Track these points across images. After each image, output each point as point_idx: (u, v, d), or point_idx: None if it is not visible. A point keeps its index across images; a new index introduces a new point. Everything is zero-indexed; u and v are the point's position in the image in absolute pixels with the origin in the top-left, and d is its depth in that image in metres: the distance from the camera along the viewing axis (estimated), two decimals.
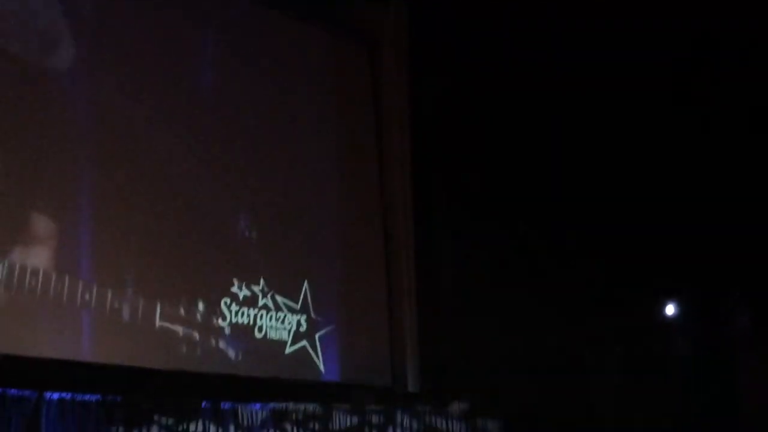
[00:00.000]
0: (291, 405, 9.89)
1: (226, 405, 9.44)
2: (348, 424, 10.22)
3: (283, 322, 10.07)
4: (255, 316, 9.84)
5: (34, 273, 8.21)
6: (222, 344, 9.47)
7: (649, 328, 10.06)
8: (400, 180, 11.40)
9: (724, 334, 9.58)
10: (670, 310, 10.03)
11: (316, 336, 10.31)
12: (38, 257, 8.30)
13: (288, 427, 9.83)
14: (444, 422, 10.86)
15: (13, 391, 8.07)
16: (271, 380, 9.84)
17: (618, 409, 10.09)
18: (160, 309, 9.03)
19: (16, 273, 8.08)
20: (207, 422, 9.24)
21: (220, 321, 9.50)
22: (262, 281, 9.96)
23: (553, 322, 10.35)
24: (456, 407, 10.92)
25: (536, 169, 10.49)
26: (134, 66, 9.16)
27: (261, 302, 9.92)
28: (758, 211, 9.27)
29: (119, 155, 8.94)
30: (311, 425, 9.99)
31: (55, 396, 8.34)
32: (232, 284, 9.70)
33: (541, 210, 10.51)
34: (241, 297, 9.75)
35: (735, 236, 9.28)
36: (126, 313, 8.78)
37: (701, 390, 9.51)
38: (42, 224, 8.40)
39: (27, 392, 8.16)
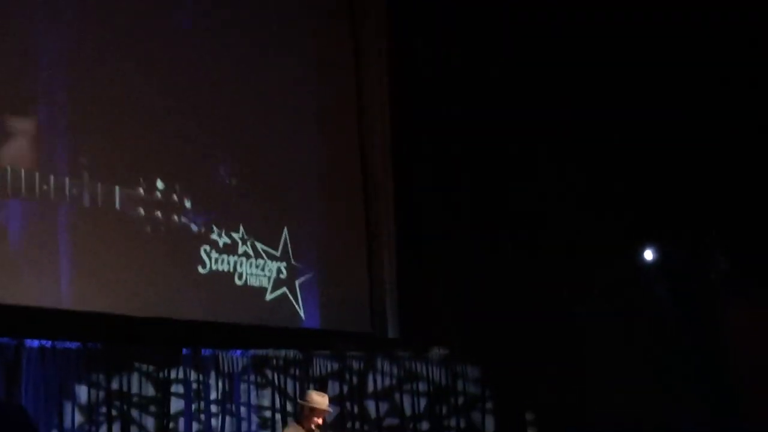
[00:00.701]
0: (271, 351, 9.93)
1: (206, 352, 9.47)
2: (328, 370, 10.27)
3: (263, 269, 10.06)
4: (235, 263, 9.83)
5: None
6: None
7: (630, 274, 10.10)
8: (380, 126, 11.36)
9: (704, 278, 9.63)
10: (648, 255, 10.08)
11: (297, 283, 10.31)
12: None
13: (269, 373, 9.88)
14: (424, 368, 10.92)
15: None
16: (251, 327, 9.86)
17: (598, 356, 10.15)
18: (139, 258, 9.02)
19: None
20: (188, 369, 9.27)
21: (199, 268, 9.49)
22: (241, 228, 9.94)
23: (533, 269, 10.38)
24: (436, 353, 10.99)
25: (517, 115, 10.45)
26: (116, 11, 9.08)
27: (241, 249, 9.90)
28: (737, 155, 9.29)
29: (97, 101, 8.87)
30: (292, 371, 10.04)
31: (35, 343, 8.35)
32: (212, 231, 9.67)
33: (522, 158, 10.49)
34: (220, 244, 9.73)
35: (714, 181, 9.31)
36: (109, 250, 8.76)
37: (683, 335, 9.58)
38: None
39: (6, 339, 8.16)
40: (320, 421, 8.02)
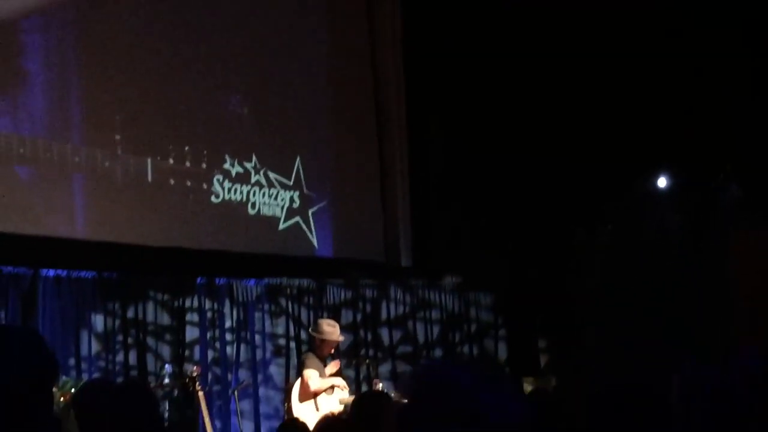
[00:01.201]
0: (285, 280, 10.02)
1: (221, 281, 9.56)
2: (342, 298, 10.36)
3: (276, 198, 10.09)
4: (248, 192, 9.86)
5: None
6: (214, 221, 9.51)
7: (641, 202, 10.07)
8: (392, 56, 11.27)
9: (714, 206, 9.60)
10: (661, 182, 10.04)
11: (309, 212, 10.34)
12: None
13: (282, 302, 9.98)
14: (437, 296, 11.00)
15: (9, 268, 8.18)
16: (265, 256, 9.92)
17: (609, 282, 10.18)
18: (153, 189, 9.07)
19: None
20: (202, 298, 9.38)
21: (212, 198, 9.53)
22: (254, 158, 9.95)
23: (545, 197, 10.36)
24: (449, 281, 11.04)
25: (529, 47, 10.33)
26: None
27: (254, 179, 9.92)
28: (750, 85, 9.20)
29: (111, 31, 8.87)
30: (305, 300, 10.13)
31: (51, 273, 8.45)
32: (224, 161, 9.69)
33: (533, 85, 10.40)
34: (233, 173, 9.76)
35: (726, 110, 9.23)
36: (118, 175, 8.82)
37: (692, 263, 9.58)
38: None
39: (22, 269, 8.26)
40: (332, 350, 8.17)
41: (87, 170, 8.65)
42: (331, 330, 8.14)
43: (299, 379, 8.01)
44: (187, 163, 9.38)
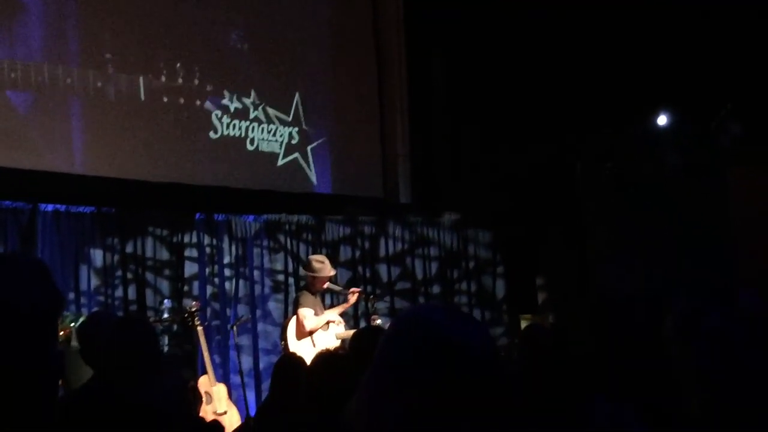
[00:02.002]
0: (284, 216, 10.02)
1: (219, 217, 9.57)
2: (340, 234, 10.37)
3: (274, 134, 10.07)
4: (246, 128, 9.84)
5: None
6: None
7: (641, 140, 10.03)
8: None
9: (715, 145, 9.57)
10: (662, 120, 9.98)
11: (308, 148, 10.33)
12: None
13: (281, 238, 9.99)
14: (435, 233, 11.01)
15: (8, 202, 8.18)
16: (263, 192, 9.92)
17: (609, 221, 10.18)
18: (151, 124, 9.04)
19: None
20: (201, 233, 9.39)
21: (211, 133, 9.51)
22: (253, 93, 9.91)
23: (545, 135, 10.33)
24: (447, 218, 11.05)
25: None
26: None
27: (252, 114, 9.89)
28: (754, 24, 9.11)
29: None
30: (304, 236, 10.15)
31: (50, 207, 8.45)
32: (223, 96, 9.65)
33: (535, 23, 10.31)
34: (232, 109, 9.73)
35: (729, 48, 9.15)
36: (111, 92, 8.79)
37: (692, 202, 9.58)
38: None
39: (21, 204, 8.27)
40: (325, 285, 8.21)
41: (84, 98, 8.62)
42: (321, 266, 8.18)
43: (294, 317, 8.05)
44: (186, 99, 9.35)
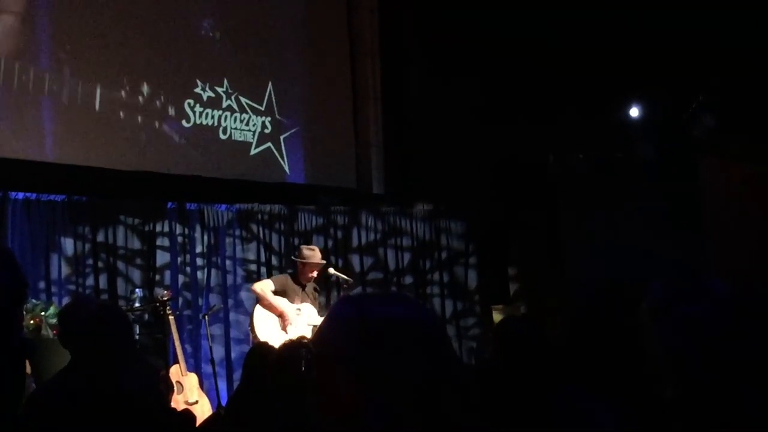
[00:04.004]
0: (257, 206, 9.99)
1: (192, 206, 9.53)
2: (313, 224, 10.36)
3: (247, 123, 10.04)
4: (219, 117, 9.81)
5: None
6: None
7: (614, 130, 10.08)
8: None
9: (687, 137, 9.63)
10: (634, 112, 10.03)
11: (281, 138, 10.30)
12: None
13: (254, 227, 9.97)
14: (408, 223, 11.01)
15: None
16: (236, 181, 9.89)
17: (580, 211, 10.21)
18: (123, 113, 8.98)
19: None
20: (173, 222, 9.34)
21: (183, 122, 9.46)
22: (225, 82, 9.87)
23: (519, 126, 10.35)
24: (420, 209, 11.05)
25: None
26: None
27: (225, 103, 9.86)
28: (728, 14, 9.16)
29: None
30: (277, 225, 10.13)
31: (20, 195, 8.39)
32: (196, 85, 9.61)
33: (510, 13, 10.32)
34: (204, 98, 9.69)
35: (703, 40, 9.20)
36: (87, 97, 8.74)
37: (664, 192, 9.64)
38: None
39: None
40: (314, 274, 8.21)
41: (54, 94, 8.56)
42: (311, 254, 8.20)
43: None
44: (159, 88, 9.30)
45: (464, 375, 1.83)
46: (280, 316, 7.96)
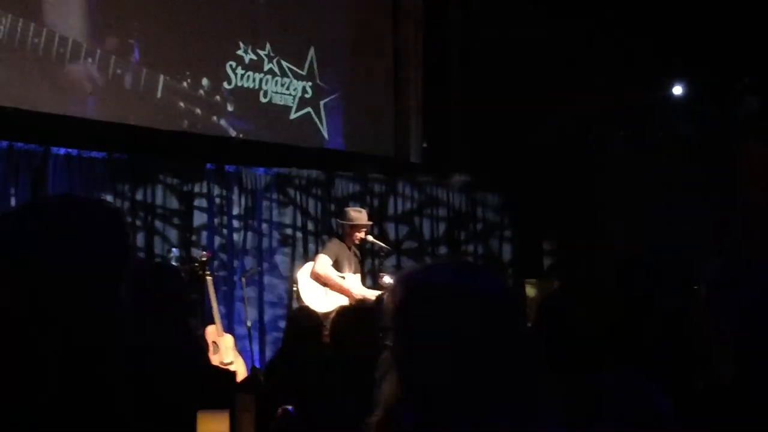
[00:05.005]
0: (294, 171, 10.01)
1: (230, 168, 9.55)
2: (350, 191, 10.36)
3: (288, 88, 10.03)
4: (260, 80, 9.80)
5: (38, 32, 8.14)
6: (224, 120, 9.46)
7: (656, 108, 9.99)
8: None
9: (729, 118, 9.53)
10: (677, 90, 9.94)
11: (321, 103, 10.28)
12: (42, 17, 8.23)
13: (291, 192, 9.98)
14: (444, 194, 11.00)
15: (20, 144, 8.16)
16: (275, 145, 9.89)
17: (619, 187, 10.17)
18: (163, 81, 8.99)
19: (19, 30, 8.01)
20: (211, 184, 9.38)
21: (223, 92, 9.45)
22: (268, 46, 9.85)
23: (558, 99, 10.28)
24: (457, 180, 11.02)
25: None
26: None
27: (266, 67, 9.84)
28: None
29: None
30: (314, 191, 10.14)
31: (62, 151, 8.44)
32: (238, 47, 9.61)
33: None
34: (246, 60, 9.68)
35: (752, 22, 9.08)
36: (128, 82, 8.76)
37: (703, 172, 9.56)
38: None
39: (33, 146, 8.25)
40: (362, 235, 8.18)
41: (94, 54, 8.59)
42: (359, 215, 8.19)
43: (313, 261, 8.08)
44: (201, 49, 9.30)
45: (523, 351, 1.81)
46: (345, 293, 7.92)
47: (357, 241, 8.19)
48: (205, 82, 9.30)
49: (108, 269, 1.73)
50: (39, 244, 1.66)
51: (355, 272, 8.14)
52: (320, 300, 7.72)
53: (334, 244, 8.13)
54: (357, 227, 8.11)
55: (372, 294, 7.90)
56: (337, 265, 7.97)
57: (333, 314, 4.43)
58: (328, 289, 7.92)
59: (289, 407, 3.24)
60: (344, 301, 7.69)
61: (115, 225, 1.77)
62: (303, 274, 8.01)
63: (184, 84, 9.14)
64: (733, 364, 2.42)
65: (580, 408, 2.39)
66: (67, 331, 1.67)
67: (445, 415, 1.71)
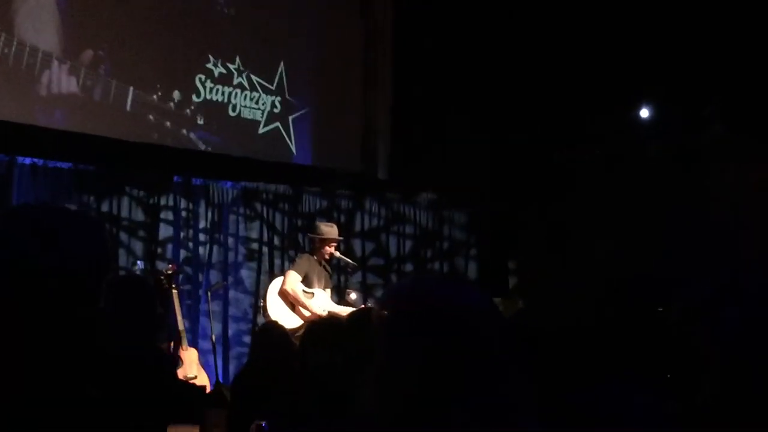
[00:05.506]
0: (262, 185, 9.98)
1: (197, 181, 9.51)
2: (317, 206, 10.35)
3: (257, 102, 10.00)
4: (229, 94, 9.76)
5: (8, 42, 8.08)
6: (193, 133, 9.42)
7: (624, 130, 10.06)
8: None
9: (697, 140, 9.62)
10: (644, 113, 10.02)
11: (290, 118, 10.26)
12: (11, 25, 8.16)
13: (258, 206, 9.95)
14: (411, 211, 11.01)
15: None
16: (243, 159, 9.86)
17: (587, 207, 10.20)
18: (133, 93, 8.94)
19: None
20: (178, 197, 9.33)
21: (193, 105, 9.40)
22: (237, 59, 9.82)
23: (526, 119, 10.34)
24: (424, 197, 11.04)
25: None
26: None
27: (236, 80, 9.81)
28: (746, 21, 9.15)
29: None
30: (281, 206, 10.12)
31: (27, 161, 8.36)
32: (208, 60, 9.57)
33: (523, 7, 10.29)
34: (216, 74, 9.64)
35: (718, 44, 9.18)
36: (98, 94, 8.71)
37: (670, 193, 9.62)
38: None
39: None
40: (332, 250, 8.17)
41: (65, 63, 8.53)
42: (330, 230, 8.18)
43: (282, 277, 8.06)
44: (170, 61, 9.26)
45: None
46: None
47: (327, 256, 8.19)
48: (176, 94, 9.25)
49: (90, 276, 1.72)
50: (23, 249, 1.66)
51: (325, 287, 8.13)
52: (287, 316, 7.70)
53: (304, 260, 8.12)
54: (327, 241, 8.11)
55: (339, 310, 7.89)
56: (307, 281, 7.95)
57: (301, 330, 4.42)
58: (296, 308, 7.91)
59: (263, 423, 3.22)
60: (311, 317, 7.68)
61: (97, 234, 1.77)
62: (272, 290, 7.99)
63: (154, 97, 9.10)
64: (718, 382, 2.44)
65: (560, 425, 2.38)
66: (45, 338, 1.67)
67: (427, 427, 1.71)
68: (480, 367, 1.72)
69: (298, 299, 7.85)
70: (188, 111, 9.38)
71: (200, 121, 9.46)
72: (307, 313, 7.81)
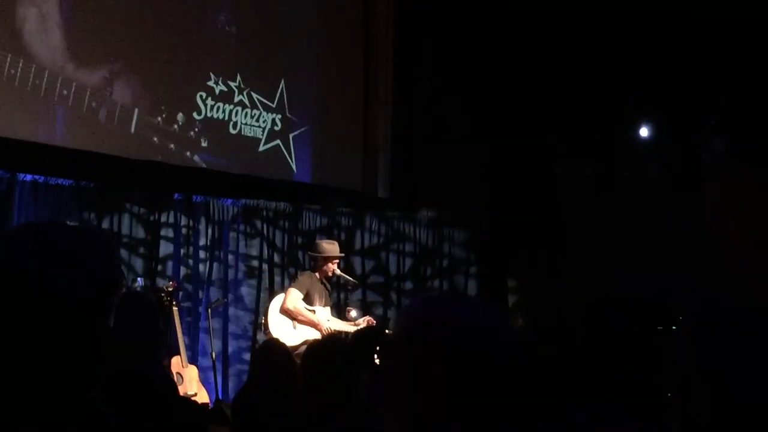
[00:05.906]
0: (262, 202, 9.99)
1: (198, 198, 9.52)
2: (317, 224, 10.35)
3: (258, 119, 10.02)
4: (230, 111, 9.79)
5: (14, 62, 8.11)
6: (197, 155, 9.44)
7: (623, 147, 10.09)
8: None
9: (695, 159, 9.64)
10: (644, 132, 10.05)
11: (291, 136, 10.28)
12: (20, 47, 8.19)
13: (258, 223, 9.96)
14: (411, 228, 11.02)
15: None
16: (243, 177, 9.87)
17: (585, 225, 10.23)
18: (138, 115, 8.97)
19: None
20: (178, 214, 9.34)
21: (196, 125, 9.42)
22: (238, 77, 9.85)
23: (526, 136, 10.37)
24: (424, 215, 11.06)
25: None
26: None
27: (237, 98, 9.84)
28: (746, 39, 9.18)
29: None
30: (281, 223, 10.12)
31: (29, 177, 8.36)
32: (209, 78, 9.59)
33: (524, 23, 10.34)
34: (217, 91, 9.67)
35: (719, 63, 9.22)
36: (102, 115, 8.73)
37: (668, 213, 9.64)
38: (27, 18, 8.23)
39: (0, 172, 8.17)
40: (334, 267, 8.18)
41: (67, 81, 8.55)
42: (331, 247, 8.19)
43: (283, 294, 8.07)
44: (172, 79, 9.28)
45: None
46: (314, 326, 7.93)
47: (330, 273, 8.20)
48: (180, 117, 9.27)
49: (101, 294, 1.73)
50: (34, 268, 1.66)
51: (325, 305, 8.14)
52: (289, 334, 7.70)
53: (305, 277, 8.13)
54: (329, 259, 8.12)
55: (341, 326, 7.91)
56: (308, 299, 7.96)
57: (303, 348, 4.42)
58: (296, 323, 7.90)
59: None
60: (312, 335, 7.69)
61: (107, 252, 1.78)
62: (273, 307, 8.00)
63: (159, 119, 9.12)
64: (708, 403, 2.43)
65: None
66: (56, 355, 1.68)
67: None
68: (500, 387, 1.72)
69: (300, 315, 7.86)
70: (192, 133, 9.40)
71: (204, 144, 9.48)
72: (309, 330, 7.82)
